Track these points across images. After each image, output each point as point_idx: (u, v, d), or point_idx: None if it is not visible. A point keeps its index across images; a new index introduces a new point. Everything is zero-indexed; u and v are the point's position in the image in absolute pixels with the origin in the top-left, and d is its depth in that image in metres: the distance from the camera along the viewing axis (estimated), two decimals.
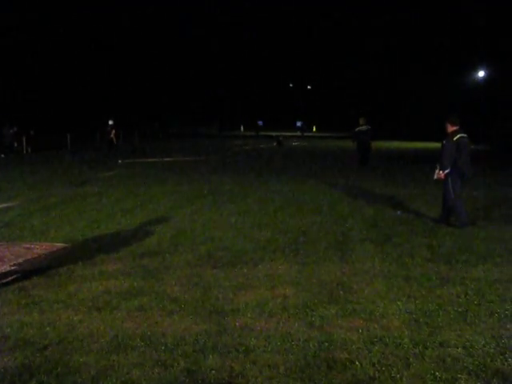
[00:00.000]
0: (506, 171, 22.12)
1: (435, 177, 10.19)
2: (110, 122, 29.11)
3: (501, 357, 4.62)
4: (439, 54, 68.25)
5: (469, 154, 10.06)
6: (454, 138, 9.93)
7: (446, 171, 9.95)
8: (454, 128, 10.10)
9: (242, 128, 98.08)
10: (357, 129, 22.89)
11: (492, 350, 4.74)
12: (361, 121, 22.73)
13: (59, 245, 8.45)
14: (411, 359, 4.52)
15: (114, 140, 29.14)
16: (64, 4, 78.16)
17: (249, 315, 5.49)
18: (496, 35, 60.43)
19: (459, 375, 4.30)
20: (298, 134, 78.07)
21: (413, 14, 75.75)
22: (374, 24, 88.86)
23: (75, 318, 5.40)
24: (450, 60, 65.77)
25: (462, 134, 10.00)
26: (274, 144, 45.10)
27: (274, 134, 64.66)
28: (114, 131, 29.00)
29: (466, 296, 6.13)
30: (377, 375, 4.26)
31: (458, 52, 64.62)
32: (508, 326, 5.26)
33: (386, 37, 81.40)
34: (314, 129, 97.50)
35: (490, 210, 11.92)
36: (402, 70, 73.60)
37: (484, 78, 61.92)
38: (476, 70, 62.66)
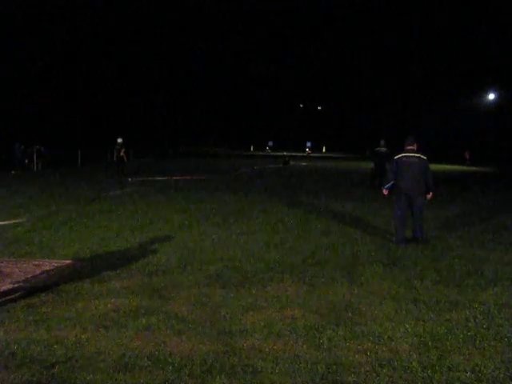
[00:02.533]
0: None
1: (383, 192, 10.93)
2: (119, 140, 28.91)
3: (511, 382, 4.58)
4: (450, 78, 68.39)
5: (416, 174, 10.33)
6: (396, 157, 10.50)
7: (387, 187, 10.67)
8: (409, 147, 10.54)
9: (252, 148, 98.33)
10: (376, 149, 22.95)
11: (502, 375, 4.69)
12: (381, 142, 22.78)
13: (68, 262, 8.47)
14: (420, 383, 4.49)
15: (125, 158, 28.92)
16: (78, 20, 78.88)
17: (257, 336, 5.48)
18: (507, 58, 60.58)
19: None
20: (306, 154, 78.29)
21: (425, 39, 76.07)
22: (386, 47, 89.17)
23: (83, 336, 5.40)
24: (461, 83, 65.88)
25: (408, 154, 10.40)
26: (281, 164, 45.28)
27: (284, 153, 64.80)
28: (123, 149, 28.79)
29: (475, 320, 6.09)
30: None
31: (469, 75, 64.74)
32: None
33: (398, 59, 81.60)
34: (324, 149, 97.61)
35: (500, 233, 11.86)
36: (412, 92, 73.72)
37: (494, 101, 61.98)
38: (487, 93, 62.76)
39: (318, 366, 4.77)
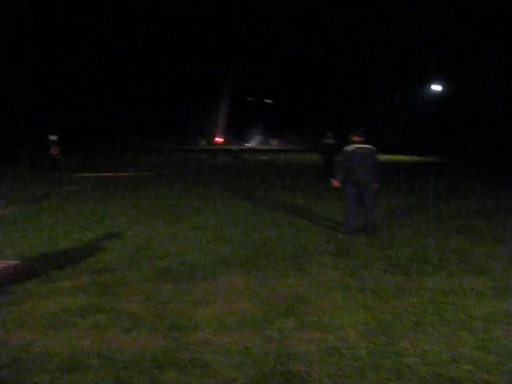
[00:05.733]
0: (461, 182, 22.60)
1: (332, 183, 10.94)
2: (52, 138, 27.87)
3: (454, 364, 4.73)
4: (397, 69, 69.41)
5: (368, 165, 10.48)
6: (347, 149, 10.58)
7: (338, 179, 10.68)
8: (357, 139, 10.65)
9: (201, 142, 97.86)
10: (323, 140, 23.18)
11: (445, 358, 4.84)
12: (328, 134, 23.01)
13: (15, 262, 8.30)
14: (367, 370, 4.58)
15: (56, 156, 27.77)
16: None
17: (207, 330, 5.49)
18: (453, 49, 61.82)
19: None
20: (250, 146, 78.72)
21: (372, 28, 76.82)
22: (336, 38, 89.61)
23: (30, 337, 5.31)
24: (408, 74, 66.94)
25: (359, 145, 10.54)
26: (233, 158, 45.59)
27: (232, 148, 64.82)
28: (54, 147, 27.69)
29: (421, 306, 6.25)
30: None
31: (415, 66, 65.85)
32: (460, 334, 5.39)
33: (347, 51, 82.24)
34: (274, 142, 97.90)
35: (444, 221, 12.16)
36: (358, 84, 74.57)
37: (441, 92, 63.31)
38: (434, 84, 64.04)
39: (268, 357, 4.82)
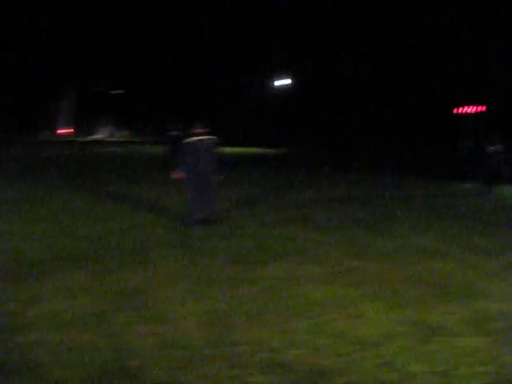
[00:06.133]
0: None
1: (172, 176, 11.02)
2: None
3: (287, 349, 4.90)
4: (249, 62, 70.28)
5: (210, 156, 10.67)
6: (189, 141, 10.73)
7: (180, 171, 10.74)
8: (199, 131, 10.81)
9: (44, 133, 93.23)
10: (168, 133, 23.13)
11: (280, 344, 5.01)
12: (172, 125, 22.99)
13: None
14: (202, 360, 4.63)
15: None
16: None
17: (40, 329, 5.25)
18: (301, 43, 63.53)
19: (248, 371, 4.48)
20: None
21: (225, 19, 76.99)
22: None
23: None
24: (253, 69, 68.03)
25: (201, 137, 10.70)
26: (77, 150, 43.87)
27: (77, 139, 62.44)
28: None
29: (259, 294, 6.43)
30: (167, 380, 4.30)
31: (261, 61, 67.08)
32: (293, 320, 5.62)
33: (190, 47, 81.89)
34: (126, 133, 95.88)
35: (283, 211, 12.66)
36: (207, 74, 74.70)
37: (291, 85, 65.18)
38: (280, 78, 65.80)
39: (102, 354, 4.71)
